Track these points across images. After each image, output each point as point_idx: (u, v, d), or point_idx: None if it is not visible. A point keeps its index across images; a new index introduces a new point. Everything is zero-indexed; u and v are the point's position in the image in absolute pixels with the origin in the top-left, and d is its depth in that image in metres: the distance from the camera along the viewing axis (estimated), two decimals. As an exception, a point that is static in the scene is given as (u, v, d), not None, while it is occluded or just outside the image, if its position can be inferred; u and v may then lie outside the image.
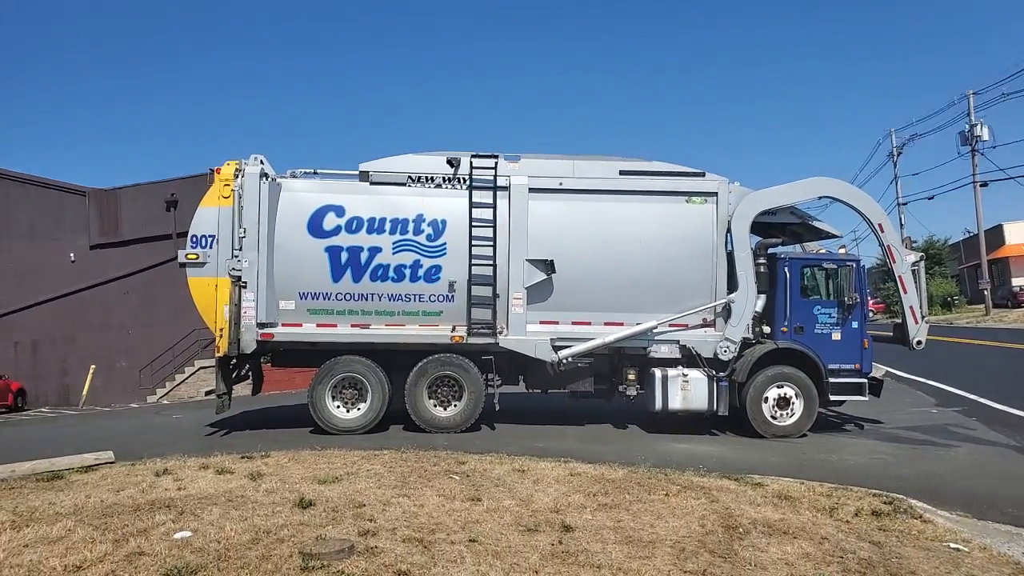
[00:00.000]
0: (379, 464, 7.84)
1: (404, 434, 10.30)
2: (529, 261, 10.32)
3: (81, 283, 23.75)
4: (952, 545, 5.35)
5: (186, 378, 21.08)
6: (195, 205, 22.00)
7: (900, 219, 39.58)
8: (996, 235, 52.03)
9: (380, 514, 5.86)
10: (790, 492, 6.77)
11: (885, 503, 6.39)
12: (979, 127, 41.19)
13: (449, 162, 10.59)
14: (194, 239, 10.39)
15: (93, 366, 22.37)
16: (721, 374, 10.35)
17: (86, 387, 22.52)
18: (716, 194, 10.59)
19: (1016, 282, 50.58)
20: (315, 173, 10.86)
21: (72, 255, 24.00)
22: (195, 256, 10.32)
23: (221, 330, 10.16)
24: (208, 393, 11.06)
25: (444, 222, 10.42)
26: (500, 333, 10.34)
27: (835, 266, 10.78)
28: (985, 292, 42.72)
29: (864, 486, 7.19)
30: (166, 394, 21.00)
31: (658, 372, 10.32)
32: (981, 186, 41.84)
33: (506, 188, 10.43)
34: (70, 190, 24.64)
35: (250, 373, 11.41)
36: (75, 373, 23.45)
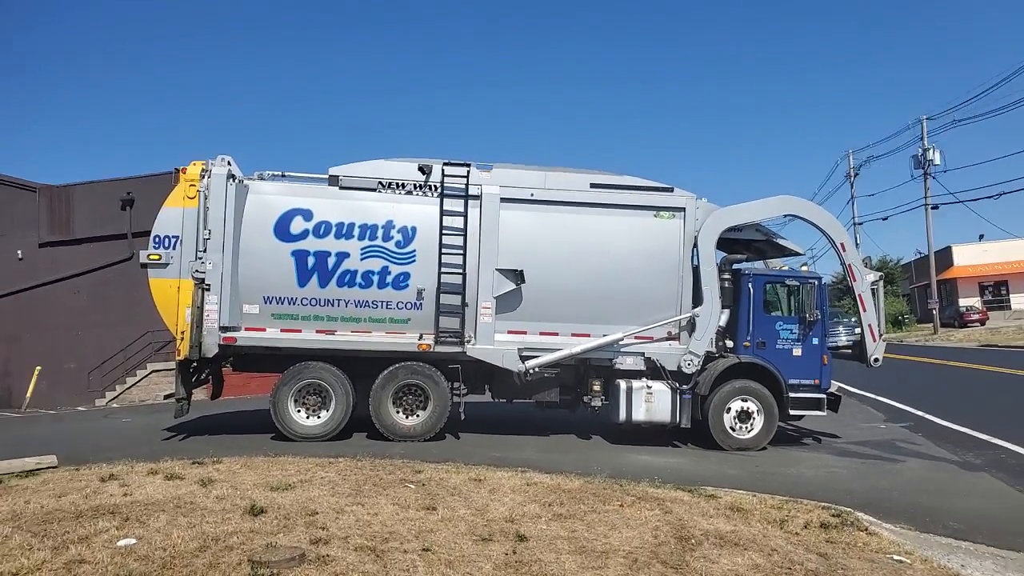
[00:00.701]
0: (334, 472, 7.74)
1: (365, 442, 10.19)
2: (499, 271, 10.32)
3: (28, 281, 23.05)
4: (895, 557, 5.48)
5: (138, 381, 20.57)
6: (152, 204, 21.44)
7: (856, 238, 40.58)
8: (945, 256, 53.67)
9: (333, 522, 5.78)
10: (742, 504, 6.86)
11: (833, 516, 6.51)
12: (932, 151, 42.54)
13: (421, 169, 10.54)
14: (157, 239, 10.18)
15: (39, 367, 21.70)
16: (684, 387, 10.47)
17: (30, 389, 21.83)
18: (684, 209, 10.72)
19: (963, 303, 52.23)
20: (283, 176, 10.70)
21: (20, 253, 23.32)
22: (157, 257, 10.12)
23: (182, 333, 9.97)
24: (167, 397, 10.80)
25: (414, 229, 10.35)
26: (468, 342, 10.30)
27: (797, 283, 11.01)
28: (934, 312, 44.03)
29: (814, 499, 7.32)
30: (116, 397, 20.46)
31: (623, 384, 10.39)
32: (932, 208, 43.19)
33: (478, 197, 10.42)
34: (19, 185, 23.92)
35: (210, 377, 11.19)
36: (19, 375, 22.69)
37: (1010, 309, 51.64)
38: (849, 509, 6.82)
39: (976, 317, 49.12)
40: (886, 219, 49.68)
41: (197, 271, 9.95)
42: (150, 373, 20.36)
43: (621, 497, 6.87)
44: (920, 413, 13.55)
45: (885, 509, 7.11)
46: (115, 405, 19.73)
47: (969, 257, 54.23)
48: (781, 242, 11.91)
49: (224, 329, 10.06)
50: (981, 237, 55.71)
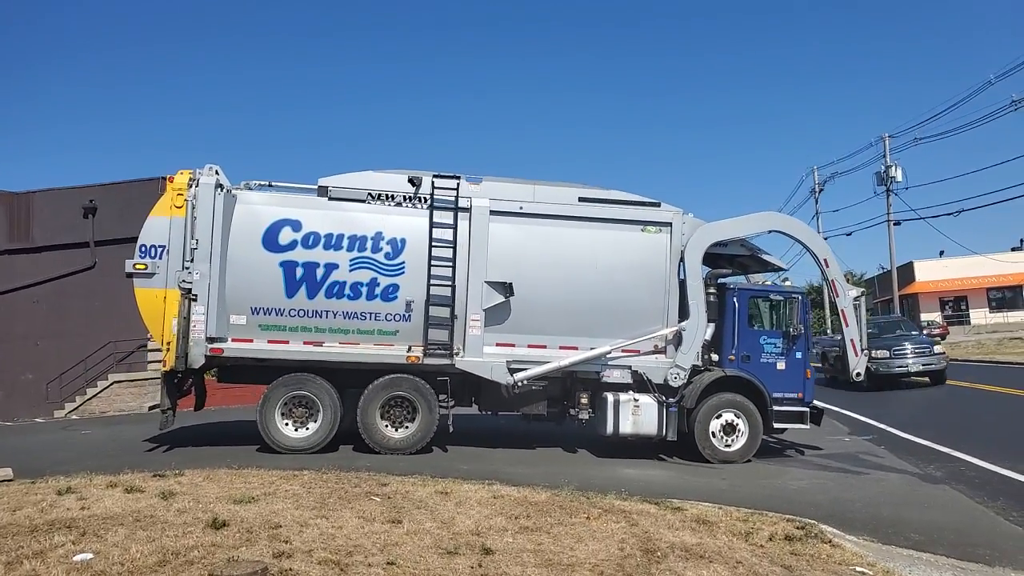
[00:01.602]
0: (298, 484, 7.63)
1: (333, 455, 10.05)
2: (488, 283, 10.31)
3: (-14, 290, 22.49)
4: (858, 569, 5.55)
5: (98, 392, 20.12)
6: (116, 213, 21.09)
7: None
8: (907, 272, 54.80)
9: (296, 536, 5.69)
10: (708, 517, 6.90)
11: (798, 528, 6.58)
12: (894, 168, 43.49)
13: (411, 181, 10.53)
14: (143, 249, 10.05)
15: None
16: (671, 400, 10.55)
17: (-13, 400, 21.25)
18: (671, 224, 10.83)
19: (924, 317, 53.32)
20: (270, 185, 10.63)
21: (-22, 260, 22.74)
22: (144, 266, 9.99)
23: (168, 344, 9.84)
24: (152, 408, 10.60)
25: (403, 241, 10.33)
26: (456, 354, 10.28)
27: (781, 298, 11.21)
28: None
29: (779, 511, 7.39)
30: (76, 409, 19.98)
31: (610, 396, 10.44)
32: (895, 225, 44.08)
33: (467, 210, 10.42)
34: (-21, 191, 23.37)
35: (193, 388, 11.03)
36: (-25, 385, 22.10)
37: (969, 324, 52.86)
38: (813, 521, 6.90)
39: (937, 332, 50.03)
40: (850, 234, 50.78)
41: (184, 281, 9.83)
42: (111, 384, 19.94)
43: (588, 510, 6.87)
44: (883, 426, 13.78)
45: (848, 521, 7.21)
46: (75, 417, 19.28)
47: (930, 273, 55.44)
48: (765, 257, 12.14)
49: (211, 340, 9.94)
50: (942, 253, 56.99)
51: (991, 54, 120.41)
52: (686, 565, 5.39)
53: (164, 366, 10.04)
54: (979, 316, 53.31)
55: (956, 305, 55.16)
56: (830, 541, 6.23)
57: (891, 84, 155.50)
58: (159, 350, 19.98)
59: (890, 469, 10.12)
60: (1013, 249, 55.98)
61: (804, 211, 61.83)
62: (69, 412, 19.72)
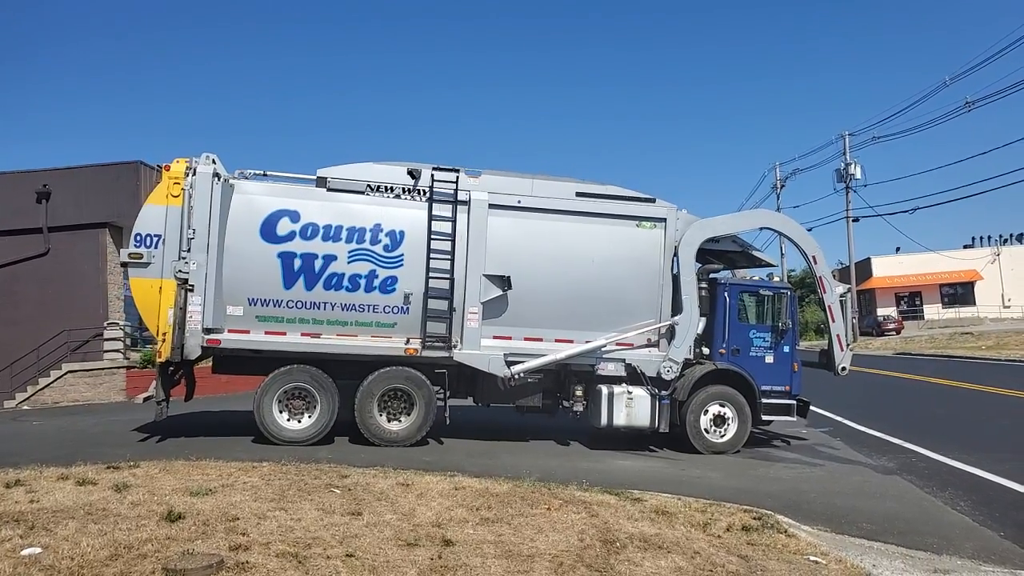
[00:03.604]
0: (257, 476, 7.54)
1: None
2: (486, 276, 10.30)
3: (-67, 276, 21.73)
4: (812, 558, 5.66)
5: (52, 382, 19.58)
6: (70, 198, 20.51)
7: (781, 248, 42.05)
8: (865, 267, 56.01)
9: (254, 528, 5.62)
10: (667, 507, 6.97)
11: (755, 519, 6.68)
12: (853, 166, 44.39)
13: (410, 173, 10.45)
14: (138, 238, 9.84)
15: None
16: (663, 392, 10.67)
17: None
18: (665, 220, 10.91)
19: (881, 312, 54.61)
20: (265, 175, 10.46)
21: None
22: (139, 255, 9.78)
23: (164, 334, 9.66)
24: (147, 399, 10.39)
25: (402, 233, 10.25)
26: (454, 347, 10.26)
27: (771, 293, 11.41)
28: (854, 321, 45.82)
29: (737, 502, 7.50)
30: (27, 399, 19.42)
31: (604, 389, 10.52)
32: (853, 221, 45.08)
33: (466, 203, 10.38)
34: (-75, 174, 22.51)
35: (183, 378, 10.85)
36: (-80, 374, 21.36)
37: (923, 319, 54.28)
38: (770, 512, 7.01)
39: (892, 326, 51.46)
40: (810, 230, 51.10)
41: (180, 271, 9.66)
42: (65, 374, 19.42)
43: (549, 501, 6.90)
44: (839, 418, 14.10)
45: (804, 511, 7.35)
46: (26, 407, 18.76)
47: (887, 269, 56.75)
48: (756, 254, 12.34)
49: (207, 331, 9.79)
50: (897, 250, 58.43)
51: (949, 55, 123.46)
52: (644, 555, 5.45)
53: (159, 357, 9.89)
54: (932, 311, 54.77)
55: (911, 300, 56.57)
56: (786, 531, 6.34)
57: (852, 80, 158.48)
58: (116, 339, 19.74)
59: (845, 460, 10.35)
60: (965, 247, 57.56)
61: (766, 207, 62.56)
62: (20, 402, 19.17)
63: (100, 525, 5.58)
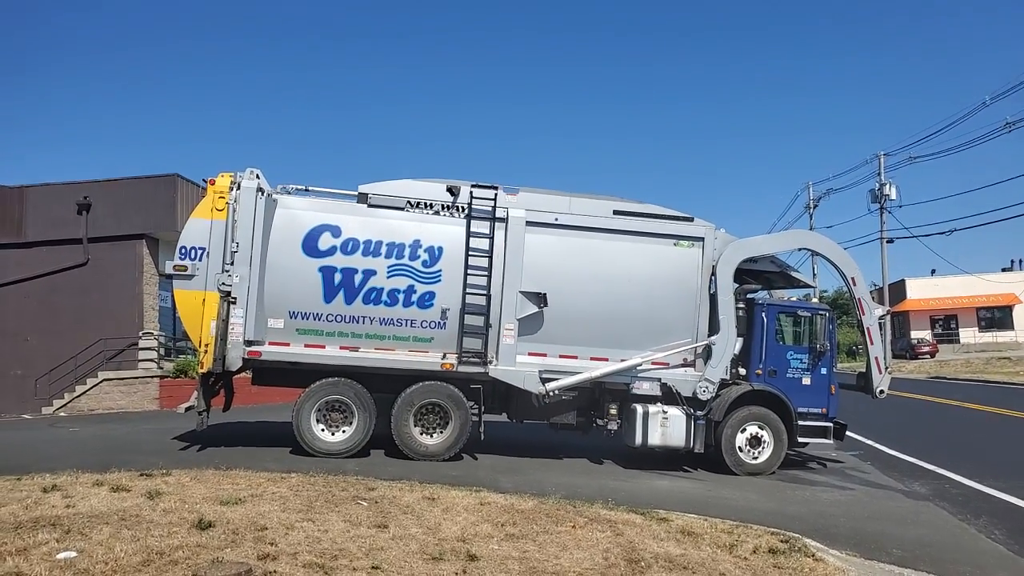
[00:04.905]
0: (285, 487, 7.64)
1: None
2: (522, 293, 10.37)
3: (-24, 284, 22.35)
4: (840, 583, 5.58)
5: (88, 390, 20.00)
6: (109, 210, 21.02)
7: (813, 269, 41.48)
8: (899, 289, 55.08)
9: (282, 538, 5.70)
10: (693, 528, 6.92)
11: (782, 541, 6.60)
12: (888, 187, 43.73)
13: (449, 190, 10.59)
14: (183, 250, 10.12)
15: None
16: (699, 412, 10.61)
17: (-26, 395, 21.12)
18: (703, 239, 10.89)
19: (915, 335, 53.60)
20: (307, 190, 10.69)
21: (-32, 254, 22.58)
22: (184, 268, 10.05)
23: (206, 346, 9.87)
24: (188, 409, 10.61)
25: (440, 249, 10.37)
26: (490, 363, 10.32)
27: (809, 314, 11.30)
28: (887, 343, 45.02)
29: (764, 524, 7.42)
30: (64, 406, 19.86)
31: (639, 408, 10.48)
32: (888, 242, 44.33)
33: (504, 220, 10.47)
34: (-29, 185, 23.22)
35: (222, 388, 11.08)
36: (-37, 380, 21.93)
37: (959, 343, 53.15)
38: (797, 535, 6.93)
39: (927, 349, 50.47)
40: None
41: (223, 284, 9.86)
42: (101, 382, 19.83)
43: (574, 518, 6.89)
44: (870, 442, 13.86)
45: (832, 535, 7.24)
46: (63, 414, 19.18)
47: (921, 291, 55.72)
48: (794, 275, 12.27)
49: (249, 343, 9.97)
50: (933, 272, 57.37)
51: (987, 75, 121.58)
52: (669, 575, 5.42)
53: (201, 367, 10.09)
54: (968, 335, 53.59)
55: (946, 324, 55.43)
56: (813, 555, 6.26)
57: (888, 102, 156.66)
58: (150, 349, 20.11)
59: (875, 485, 10.18)
60: (1003, 270, 56.33)
61: (798, 227, 62.05)
62: (57, 409, 19.61)
63: (133, 531, 5.70)
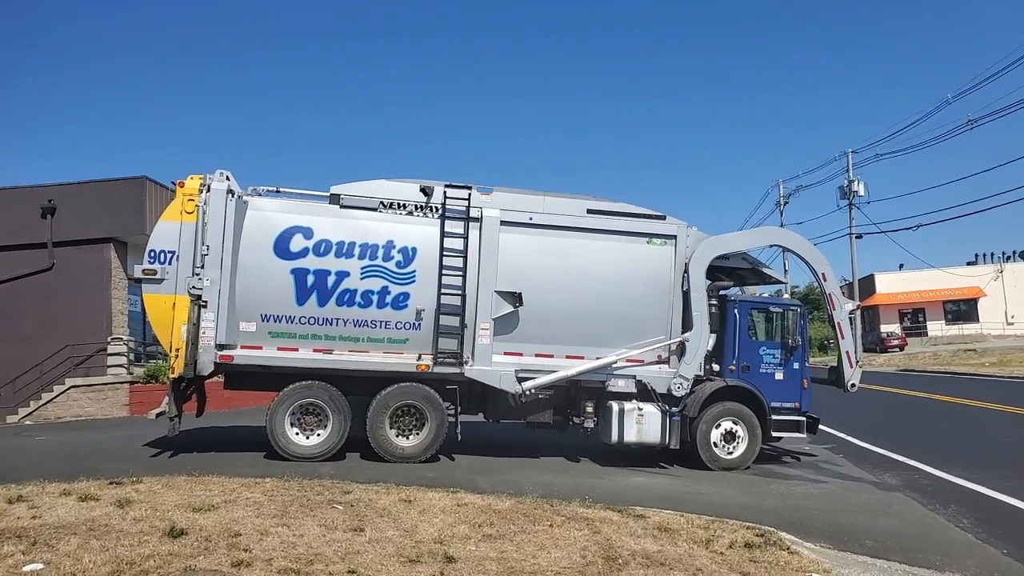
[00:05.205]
0: (259, 492, 7.54)
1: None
2: (497, 292, 10.35)
3: (-63, 290, 21.78)
4: (814, 575, 5.64)
5: (54, 397, 19.60)
6: (75, 213, 20.58)
7: (784, 265, 41.97)
8: (868, 284, 55.96)
9: (256, 544, 5.63)
10: (670, 524, 6.96)
11: (757, 535, 6.66)
12: (857, 183, 44.42)
13: (423, 190, 10.52)
14: (152, 254, 9.90)
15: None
16: (673, 409, 10.67)
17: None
18: (675, 237, 10.95)
19: (884, 329, 54.52)
20: (278, 191, 10.55)
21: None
22: (153, 272, 9.84)
23: (177, 350, 9.69)
24: (159, 415, 10.41)
25: (414, 250, 10.30)
26: (466, 363, 10.29)
27: (780, 310, 11.42)
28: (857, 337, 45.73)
29: (739, 519, 7.48)
30: (30, 414, 19.44)
31: (615, 405, 10.52)
32: (856, 238, 45.02)
33: (478, 219, 10.44)
34: (-70, 189, 22.61)
35: (194, 394, 10.88)
36: (-76, 389, 21.36)
37: (927, 335, 54.15)
38: (772, 529, 7.00)
39: (896, 343, 51.39)
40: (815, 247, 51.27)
41: (194, 287, 9.70)
42: (68, 389, 19.45)
43: (551, 517, 6.89)
44: (842, 435, 14.06)
45: (806, 528, 7.33)
46: (28, 422, 18.78)
47: (890, 285, 56.70)
48: (766, 271, 12.39)
49: (220, 347, 9.82)
50: (901, 267, 58.42)
51: (956, 70, 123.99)
52: (646, 572, 5.44)
53: (172, 372, 9.91)
54: (936, 328, 54.64)
55: (914, 317, 56.46)
56: (788, 548, 6.33)
57: (857, 96, 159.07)
58: (120, 354, 19.76)
59: (848, 477, 10.32)
60: (968, 263, 57.52)
61: (769, 223, 62.63)
62: (23, 418, 19.20)
63: (102, 541, 5.59)
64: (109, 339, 19.89)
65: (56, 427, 16.90)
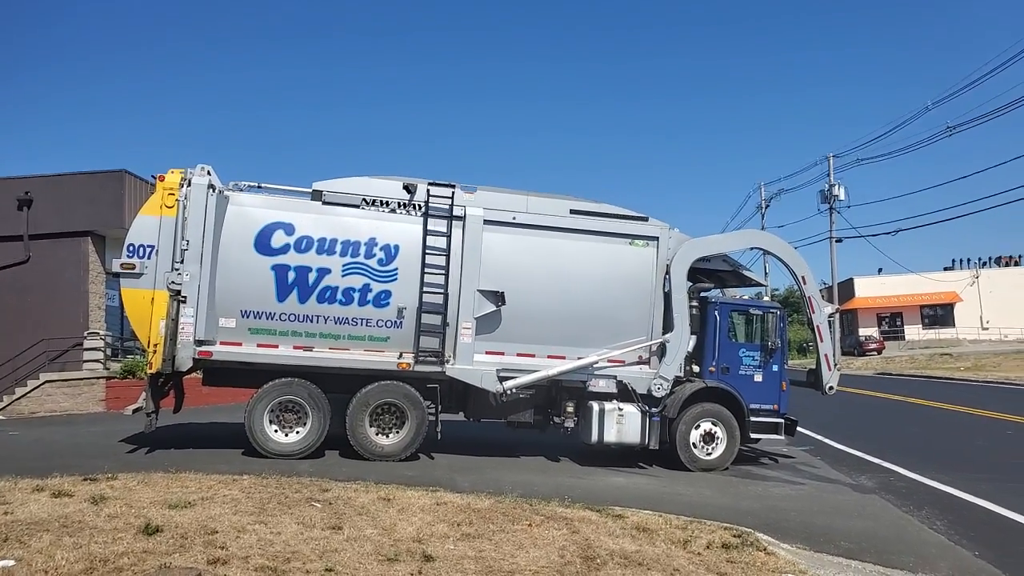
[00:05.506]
0: (237, 489, 7.47)
1: (255, 461, 9.88)
2: (480, 291, 10.32)
3: (-90, 283, 21.40)
4: (790, 575, 5.69)
5: (29, 391, 19.31)
6: (52, 206, 20.29)
7: (765, 268, 42.31)
8: (847, 288, 56.57)
9: (233, 541, 5.58)
10: (648, 524, 6.98)
11: (734, 536, 6.70)
12: (837, 187, 44.90)
13: (406, 188, 10.48)
14: (131, 248, 9.78)
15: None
16: (653, 409, 10.70)
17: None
18: (657, 238, 10.99)
19: (863, 332, 55.13)
20: (260, 187, 10.47)
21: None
22: (132, 266, 9.72)
23: (155, 346, 9.58)
24: (136, 411, 10.27)
25: (397, 247, 10.25)
26: (447, 362, 10.24)
27: (760, 312, 11.52)
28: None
29: (717, 519, 7.52)
30: (2, 409, 19.15)
31: (596, 405, 10.53)
32: (836, 241, 45.50)
33: (461, 218, 10.40)
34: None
35: (172, 390, 10.78)
36: None
37: (904, 340, 54.83)
38: (749, 529, 7.05)
39: (874, 346, 52.00)
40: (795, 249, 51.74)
41: (173, 282, 9.59)
42: (43, 383, 19.16)
43: (530, 517, 6.89)
44: (820, 438, 14.20)
45: (783, 529, 7.38)
46: (1, 417, 18.50)
47: (869, 289, 57.37)
48: (746, 273, 12.46)
49: (199, 343, 9.71)
50: (880, 271, 59.16)
51: (938, 74, 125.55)
52: (624, 572, 5.45)
53: (150, 368, 9.81)
54: (913, 332, 55.35)
55: (892, 321, 57.17)
56: (765, 549, 6.37)
57: (839, 100, 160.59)
58: (96, 349, 19.53)
59: (825, 479, 10.42)
60: (945, 269, 58.30)
61: (751, 226, 63.22)
62: (-4, 412, 18.92)
63: (75, 538, 5.51)
64: (86, 333, 19.63)
65: (30, 422, 16.65)
